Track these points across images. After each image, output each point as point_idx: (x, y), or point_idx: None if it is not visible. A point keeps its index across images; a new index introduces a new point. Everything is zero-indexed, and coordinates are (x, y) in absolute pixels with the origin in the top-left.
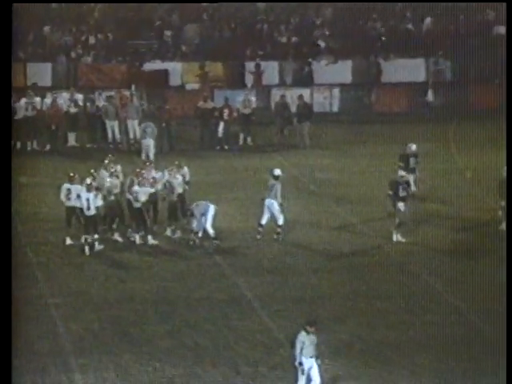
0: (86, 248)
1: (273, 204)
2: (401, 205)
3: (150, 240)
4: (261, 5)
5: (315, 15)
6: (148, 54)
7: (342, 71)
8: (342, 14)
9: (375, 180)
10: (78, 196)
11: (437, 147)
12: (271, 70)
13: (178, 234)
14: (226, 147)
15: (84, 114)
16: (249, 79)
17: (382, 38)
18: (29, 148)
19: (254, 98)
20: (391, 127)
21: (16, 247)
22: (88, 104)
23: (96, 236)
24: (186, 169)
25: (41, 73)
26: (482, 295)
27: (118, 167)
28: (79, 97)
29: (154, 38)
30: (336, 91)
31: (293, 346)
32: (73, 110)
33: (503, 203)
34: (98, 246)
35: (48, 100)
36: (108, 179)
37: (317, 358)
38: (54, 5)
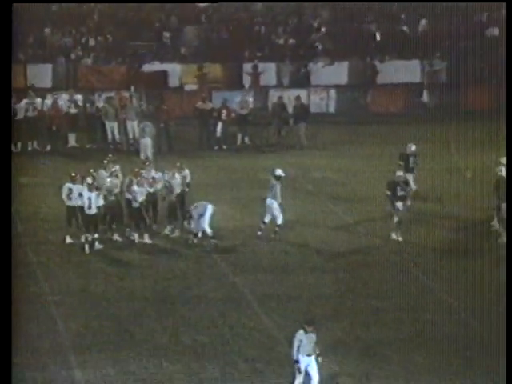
0: (86, 246)
1: (272, 203)
2: (399, 204)
3: (146, 239)
4: (258, 7)
5: (312, 17)
6: (147, 55)
7: (339, 73)
8: (339, 16)
9: (372, 180)
10: (80, 195)
11: (432, 147)
12: (269, 72)
13: (177, 233)
14: (224, 147)
15: (84, 115)
16: (246, 80)
17: (376, 36)
18: (29, 148)
19: (251, 99)
20: (387, 128)
21: (16, 246)
22: (88, 105)
23: (96, 235)
24: (186, 171)
25: (41, 74)
26: (476, 294)
27: (117, 167)
28: (78, 98)
29: (153, 40)
30: (332, 92)
31: (291, 344)
32: (73, 110)
33: (497, 202)
34: (97, 246)
35: (48, 101)
36: (108, 179)
37: (317, 356)
38: (54, 7)
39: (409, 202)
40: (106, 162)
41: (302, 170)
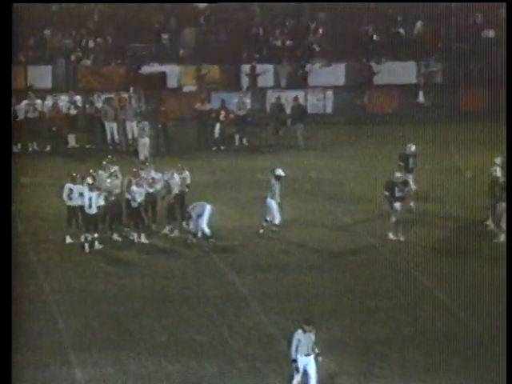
0: (86, 246)
1: (271, 203)
2: (397, 205)
3: (143, 239)
4: (256, 9)
5: (309, 19)
6: (146, 57)
7: (336, 74)
8: (336, 17)
9: (369, 180)
10: (81, 194)
11: (428, 147)
12: (266, 73)
13: (176, 233)
14: (223, 148)
15: (83, 116)
16: (245, 82)
17: (373, 38)
18: (30, 149)
19: (248, 100)
20: (384, 128)
21: (17, 246)
22: (87, 106)
23: (96, 235)
24: (187, 172)
25: (41, 75)
26: (473, 293)
27: (116, 168)
28: (78, 99)
29: (152, 42)
30: (330, 93)
31: (289, 342)
32: (72, 111)
33: (492, 202)
34: (97, 245)
35: (49, 102)
36: (108, 180)
37: (317, 355)
38: (54, 9)
39: (412, 203)
40: (104, 163)
41: (299, 169)
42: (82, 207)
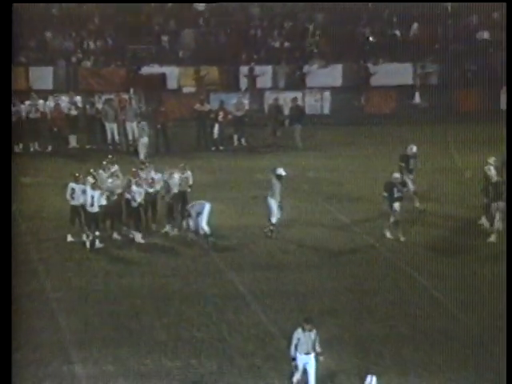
0: (88, 243)
1: (271, 202)
2: (396, 205)
3: (139, 239)
4: (255, 11)
5: (307, 21)
6: (146, 58)
7: (333, 75)
8: (333, 19)
9: (366, 179)
10: (84, 192)
11: (424, 147)
12: (265, 74)
13: (176, 231)
14: (221, 148)
15: (84, 117)
16: (243, 83)
17: (370, 39)
18: (31, 149)
19: (246, 101)
20: (381, 128)
21: (19, 244)
22: (87, 106)
23: (97, 233)
24: (189, 172)
25: (42, 77)
26: (467, 290)
27: (116, 167)
28: (78, 99)
29: (152, 43)
30: (327, 94)
31: (287, 339)
32: (73, 112)
33: (486, 201)
34: (98, 244)
35: (50, 103)
36: (109, 180)
37: (318, 355)
38: (54, 11)
39: (418, 204)
40: (105, 163)
41: (297, 169)
42: (84, 206)
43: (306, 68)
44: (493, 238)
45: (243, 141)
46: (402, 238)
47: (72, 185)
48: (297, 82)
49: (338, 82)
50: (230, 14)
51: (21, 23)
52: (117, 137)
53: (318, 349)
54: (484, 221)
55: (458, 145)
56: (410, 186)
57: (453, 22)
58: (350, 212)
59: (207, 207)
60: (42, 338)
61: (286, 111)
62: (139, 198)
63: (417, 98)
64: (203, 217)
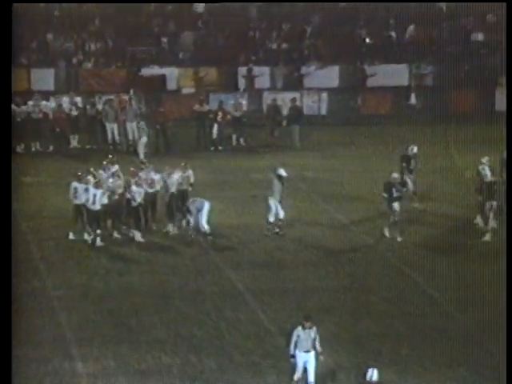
0: (89, 240)
1: (270, 201)
2: (395, 205)
3: (139, 238)
4: (253, 13)
5: (304, 23)
6: (146, 59)
7: (330, 76)
8: (330, 21)
9: (363, 179)
10: (86, 190)
11: (422, 148)
12: (263, 75)
13: (175, 230)
14: (220, 148)
15: (84, 117)
16: (242, 83)
17: (366, 41)
18: (33, 149)
19: (244, 102)
20: (377, 129)
21: (20, 243)
22: (88, 107)
23: (98, 232)
24: (190, 171)
25: (44, 78)
26: (461, 288)
27: (117, 167)
28: (78, 100)
29: (152, 45)
30: (324, 95)
31: (285, 336)
32: (74, 113)
33: (480, 199)
34: (99, 243)
35: (52, 103)
36: (110, 179)
37: (318, 354)
38: (56, 13)
39: (417, 204)
40: (105, 162)
41: (295, 169)
42: (86, 205)
43: (303, 69)
44: (487, 237)
45: (242, 141)
46: (399, 239)
47: (75, 184)
48: (294, 83)
49: (335, 83)
50: (229, 16)
51: (22, 25)
52: (117, 137)
53: (319, 348)
54: (479, 220)
55: (454, 145)
56: (410, 186)
57: (448, 23)
58: (347, 211)
59: (207, 205)
60: (43, 335)
61: (284, 111)
62: (139, 198)
63: (412, 99)
64: (203, 215)
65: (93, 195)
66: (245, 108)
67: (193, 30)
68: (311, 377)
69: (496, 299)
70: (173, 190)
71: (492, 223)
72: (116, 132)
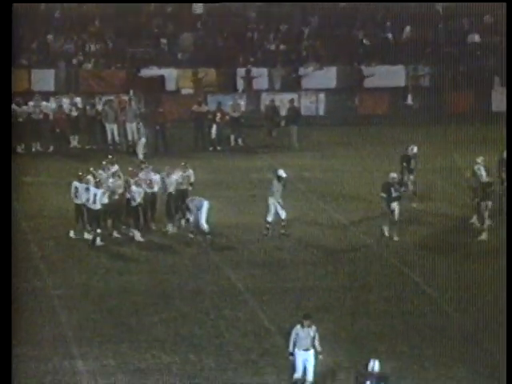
0: (90, 237)
1: (270, 201)
2: (394, 205)
3: (138, 237)
4: (251, 14)
5: (302, 24)
6: (145, 60)
7: (328, 77)
8: (328, 23)
9: (361, 179)
10: (87, 189)
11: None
12: (261, 76)
13: (174, 230)
14: (219, 148)
15: (84, 118)
16: (240, 84)
17: (363, 43)
18: (33, 149)
19: (242, 102)
20: (374, 129)
21: (21, 242)
22: (88, 107)
23: (98, 231)
24: (190, 171)
25: (44, 79)
26: (458, 287)
27: (116, 167)
28: (78, 100)
29: (151, 46)
30: (322, 96)
31: (284, 335)
32: (74, 113)
33: (476, 199)
34: (99, 242)
35: (52, 104)
36: (110, 179)
37: (318, 353)
38: (56, 14)
39: (415, 205)
40: (104, 163)
41: (292, 169)
42: (86, 204)
43: (301, 70)
44: (484, 236)
45: (240, 141)
46: (396, 238)
47: (76, 184)
48: (292, 84)
49: (333, 84)
50: (228, 18)
51: (23, 26)
52: (117, 137)
53: (318, 347)
54: (475, 220)
55: (451, 145)
56: (410, 186)
57: (444, 25)
58: (346, 211)
59: (206, 204)
60: (43, 334)
61: (282, 112)
62: (139, 198)
63: (409, 100)
64: (202, 214)
65: (93, 195)
66: (243, 109)
67: (192, 31)
68: (310, 375)
69: (493, 298)
70: (171, 189)
71: (488, 223)
72: (116, 132)
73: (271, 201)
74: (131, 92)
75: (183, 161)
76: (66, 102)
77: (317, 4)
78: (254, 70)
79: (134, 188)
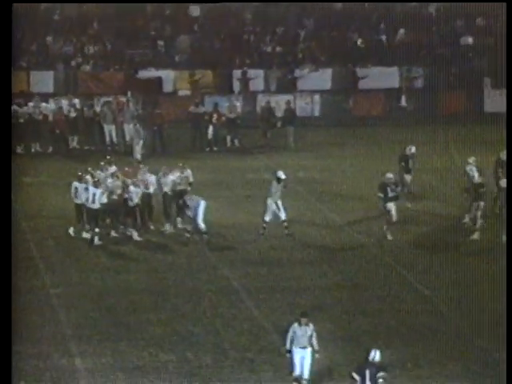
0: (88, 237)
1: (268, 202)
2: (391, 205)
3: (135, 237)
4: (248, 17)
5: (298, 27)
6: (143, 62)
7: (323, 79)
8: (323, 25)
9: (356, 179)
10: (86, 189)
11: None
12: (257, 78)
13: (171, 229)
14: (215, 149)
15: (82, 119)
16: (236, 86)
17: (358, 45)
18: (33, 150)
19: (239, 104)
20: (369, 130)
21: (20, 242)
22: (86, 109)
23: (97, 230)
24: (189, 171)
25: (43, 80)
26: (451, 285)
27: (114, 168)
28: (76, 102)
29: (149, 48)
30: (317, 97)
31: (280, 333)
32: (72, 114)
33: (469, 200)
34: (97, 241)
35: (52, 106)
36: (109, 180)
37: (314, 352)
38: (55, 16)
39: (410, 204)
40: (102, 163)
41: (288, 169)
42: (85, 204)
43: (297, 72)
44: (476, 236)
45: (236, 142)
46: (390, 237)
47: (75, 184)
48: (288, 86)
49: (328, 86)
50: (224, 20)
51: (22, 28)
52: (115, 138)
53: (316, 345)
54: (467, 219)
55: (444, 145)
56: (408, 185)
57: (437, 27)
58: (341, 211)
59: (202, 204)
60: (43, 332)
61: (278, 113)
62: (136, 199)
63: (403, 101)
64: (199, 213)
65: (92, 194)
66: (239, 110)
67: (189, 33)
68: (306, 373)
69: (486, 296)
70: (166, 189)
71: (480, 223)
72: (114, 133)
73: (269, 201)
74: (129, 93)
75: (180, 161)
76: (64, 103)
77: (312, 7)
78: (251, 72)
79: (132, 188)
